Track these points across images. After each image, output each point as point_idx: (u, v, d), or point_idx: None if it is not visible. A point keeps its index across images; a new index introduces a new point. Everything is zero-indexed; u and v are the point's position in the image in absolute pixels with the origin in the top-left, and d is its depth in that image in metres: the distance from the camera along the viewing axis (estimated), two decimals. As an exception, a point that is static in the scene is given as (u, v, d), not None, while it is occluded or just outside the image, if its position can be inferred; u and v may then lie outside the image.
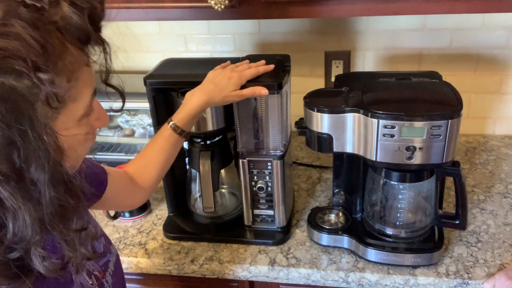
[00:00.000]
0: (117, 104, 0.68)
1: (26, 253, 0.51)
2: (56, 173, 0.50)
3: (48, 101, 0.49)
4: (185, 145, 1.18)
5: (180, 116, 0.95)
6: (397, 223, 1.06)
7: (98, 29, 0.56)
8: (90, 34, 0.53)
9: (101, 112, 0.64)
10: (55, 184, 0.50)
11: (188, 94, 0.97)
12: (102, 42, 0.57)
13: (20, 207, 0.48)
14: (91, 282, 0.69)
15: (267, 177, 1.08)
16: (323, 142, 1.01)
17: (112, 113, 1.44)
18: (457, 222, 1.02)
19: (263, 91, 0.96)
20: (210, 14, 1.09)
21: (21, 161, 0.47)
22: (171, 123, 0.95)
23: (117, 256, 0.81)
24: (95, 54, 0.57)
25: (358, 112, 0.94)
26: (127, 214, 1.25)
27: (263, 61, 1.03)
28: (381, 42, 1.46)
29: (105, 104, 0.66)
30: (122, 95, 0.67)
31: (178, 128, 0.94)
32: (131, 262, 1.11)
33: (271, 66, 1.01)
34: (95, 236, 0.59)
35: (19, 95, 0.46)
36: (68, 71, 0.51)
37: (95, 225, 0.79)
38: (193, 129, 1.06)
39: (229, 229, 1.15)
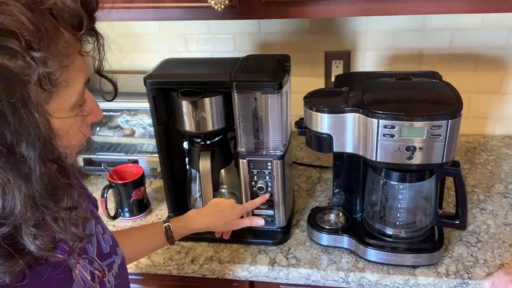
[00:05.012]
0: (117, 104, 0.69)
1: (17, 231, 0.52)
2: (46, 151, 0.51)
3: (41, 82, 0.50)
4: (185, 145, 1.18)
5: (179, 225, 0.99)
6: (397, 223, 1.06)
7: (91, 18, 0.57)
8: (82, 21, 0.54)
9: (95, 105, 0.65)
10: (45, 161, 0.51)
11: (192, 212, 1.03)
12: (95, 33, 0.58)
13: (10, 180, 0.48)
14: (90, 278, 0.69)
15: (267, 177, 1.08)
16: (323, 142, 1.01)
17: (112, 113, 1.45)
18: (457, 222, 1.02)
19: (260, 221, 1.04)
20: (210, 14, 1.09)
21: (12, 136, 0.48)
22: (166, 224, 0.98)
23: (123, 258, 0.81)
24: (90, 43, 0.58)
25: (358, 112, 0.94)
26: (127, 214, 1.25)
27: (262, 197, 1.09)
28: (381, 42, 1.46)
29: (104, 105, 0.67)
30: (115, 85, 0.69)
31: (171, 233, 0.98)
32: (131, 262, 1.11)
33: (267, 195, 1.08)
34: (87, 218, 0.60)
35: (12, 74, 0.47)
36: (61, 55, 0.52)
37: (103, 225, 0.79)
38: (193, 129, 1.06)
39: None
